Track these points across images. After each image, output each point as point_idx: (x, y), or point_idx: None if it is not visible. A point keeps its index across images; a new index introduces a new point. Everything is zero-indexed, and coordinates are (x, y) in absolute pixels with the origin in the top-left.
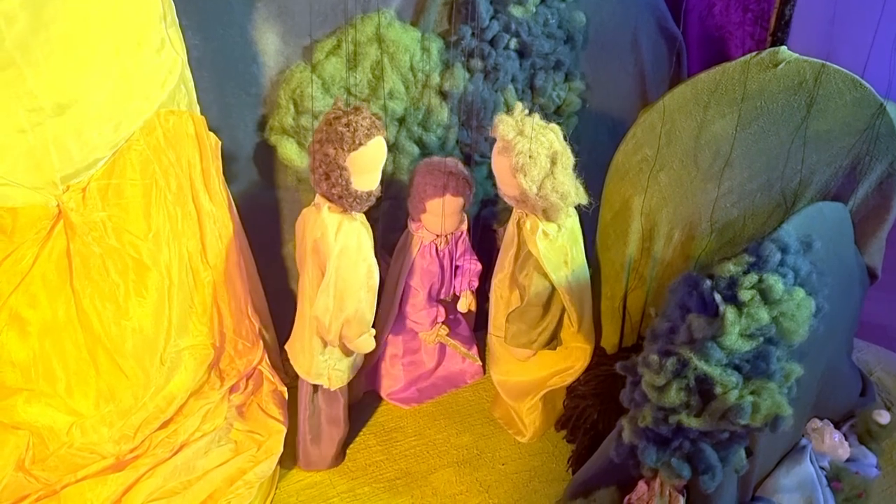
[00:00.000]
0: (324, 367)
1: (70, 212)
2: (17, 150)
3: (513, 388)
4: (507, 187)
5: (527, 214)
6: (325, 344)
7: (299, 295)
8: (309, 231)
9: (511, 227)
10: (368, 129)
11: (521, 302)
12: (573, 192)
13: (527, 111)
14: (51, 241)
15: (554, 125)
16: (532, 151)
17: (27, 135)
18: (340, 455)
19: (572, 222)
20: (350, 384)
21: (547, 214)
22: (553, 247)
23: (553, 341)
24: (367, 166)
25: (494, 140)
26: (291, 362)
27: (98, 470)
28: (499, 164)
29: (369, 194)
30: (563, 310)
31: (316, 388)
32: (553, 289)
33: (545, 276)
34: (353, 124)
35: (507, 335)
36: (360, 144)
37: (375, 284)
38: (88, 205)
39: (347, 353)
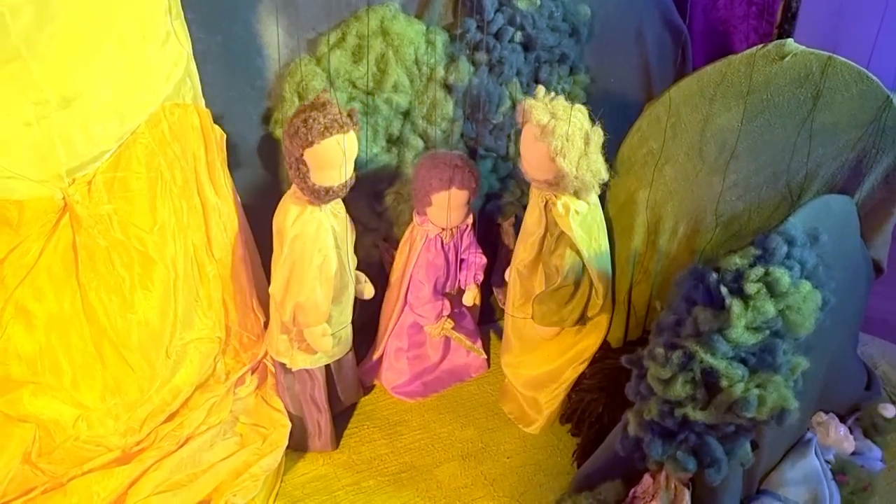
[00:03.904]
0: (284, 346)
1: (76, 205)
2: (22, 142)
3: (528, 377)
4: (540, 172)
5: (557, 196)
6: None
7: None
8: (276, 212)
9: (536, 211)
10: (325, 128)
11: (546, 283)
12: (603, 169)
13: (552, 94)
14: (56, 234)
15: (579, 105)
16: (568, 133)
17: (33, 128)
18: (332, 441)
19: (595, 198)
20: (346, 384)
21: (578, 193)
22: (584, 224)
23: (582, 318)
24: (322, 163)
25: (499, 134)
26: (265, 339)
27: (104, 463)
28: (535, 150)
29: (328, 190)
30: (590, 286)
31: (287, 371)
32: (582, 265)
33: (578, 253)
34: (310, 121)
35: (536, 315)
36: (312, 143)
37: (330, 277)
38: (94, 198)
39: (308, 349)
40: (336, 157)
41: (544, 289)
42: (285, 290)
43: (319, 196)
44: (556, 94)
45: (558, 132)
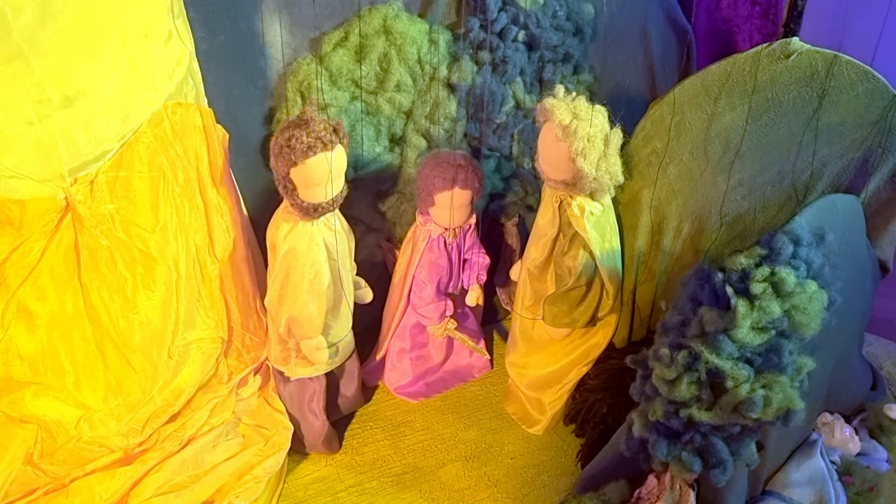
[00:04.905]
0: (282, 355)
1: (78, 204)
2: (25, 142)
3: (533, 377)
4: (558, 172)
5: (572, 196)
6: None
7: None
8: (269, 226)
9: (549, 211)
10: (308, 148)
11: (558, 284)
12: (619, 171)
13: (573, 93)
14: (59, 234)
15: (599, 106)
16: (589, 134)
17: (35, 127)
18: (331, 445)
19: (609, 199)
20: (348, 393)
21: (594, 195)
22: (598, 225)
23: (593, 319)
24: (308, 182)
25: (503, 133)
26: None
27: (106, 464)
28: (556, 150)
29: (316, 207)
30: (602, 287)
31: (286, 376)
32: (595, 267)
33: (591, 254)
34: (293, 140)
35: (548, 316)
36: (296, 163)
37: (323, 291)
38: (96, 197)
39: (306, 358)
40: (322, 175)
41: (555, 290)
42: (279, 302)
43: (308, 212)
44: (576, 94)
45: (580, 133)
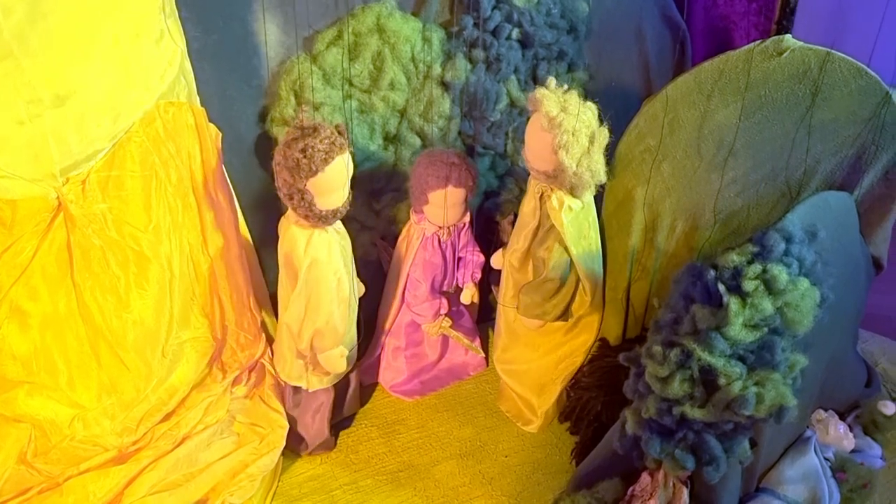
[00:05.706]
0: (299, 370)
1: (70, 204)
2: (16, 141)
3: (519, 374)
4: (541, 163)
5: (552, 189)
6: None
7: (278, 299)
8: (280, 242)
9: (532, 202)
10: (326, 154)
11: (534, 276)
12: (602, 171)
13: (565, 86)
14: (51, 234)
15: (590, 103)
16: (575, 129)
17: (26, 126)
18: (327, 445)
19: (590, 197)
20: (350, 396)
21: (574, 190)
22: (575, 221)
23: (565, 314)
24: (328, 188)
25: (497, 131)
26: (275, 364)
27: (100, 462)
28: (540, 140)
29: (335, 212)
30: (577, 283)
31: (297, 387)
32: (570, 262)
33: (566, 249)
34: (309, 150)
35: (521, 306)
36: (317, 171)
37: (347, 296)
38: (88, 197)
39: (322, 371)
40: (341, 178)
41: (532, 280)
42: (303, 318)
43: (327, 220)
44: (570, 88)
45: (566, 126)
